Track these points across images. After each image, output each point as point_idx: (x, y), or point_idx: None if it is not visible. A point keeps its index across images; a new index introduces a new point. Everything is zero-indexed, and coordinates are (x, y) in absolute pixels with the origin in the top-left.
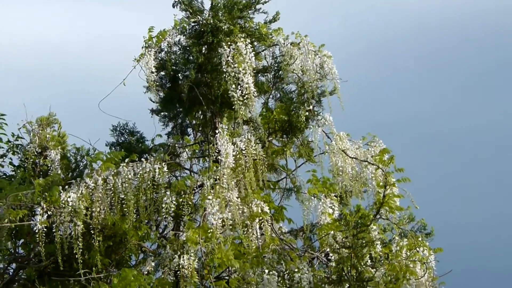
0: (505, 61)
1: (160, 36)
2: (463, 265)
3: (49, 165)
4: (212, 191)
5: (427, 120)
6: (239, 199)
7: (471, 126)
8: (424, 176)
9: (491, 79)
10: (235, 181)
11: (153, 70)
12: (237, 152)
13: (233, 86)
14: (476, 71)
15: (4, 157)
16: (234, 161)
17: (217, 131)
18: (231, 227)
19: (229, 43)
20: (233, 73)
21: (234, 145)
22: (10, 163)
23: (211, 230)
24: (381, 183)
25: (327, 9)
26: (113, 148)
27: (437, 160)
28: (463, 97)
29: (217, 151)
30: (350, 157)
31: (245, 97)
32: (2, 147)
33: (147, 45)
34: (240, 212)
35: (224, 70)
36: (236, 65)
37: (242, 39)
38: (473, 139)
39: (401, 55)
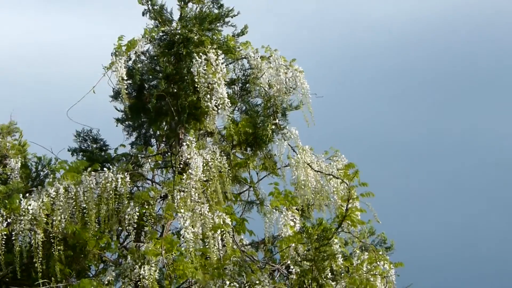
0: (467, 77)
1: (130, 45)
2: (424, 278)
3: (8, 173)
4: (181, 205)
5: (388, 132)
6: (209, 212)
7: (431, 139)
8: (384, 188)
9: (453, 94)
10: (201, 192)
11: (124, 77)
12: (204, 164)
13: (208, 96)
14: (438, 85)
15: None
16: (203, 173)
17: (184, 143)
18: (199, 240)
19: (200, 53)
20: (206, 83)
21: (201, 157)
22: None
23: (184, 243)
24: (344, 197)
25: (292, 22)
26: (75, 154)
27: (397, 173)
28: (423, 111)
29: (181, 162)
30: (315, 170)
31: (218, 107)
32: None
33: (116, 53)
34: (208, 224)
35: (196, 80)
36: (210, 75)
37: (213, 50)
38: (433, 152)
39: (365, 68)
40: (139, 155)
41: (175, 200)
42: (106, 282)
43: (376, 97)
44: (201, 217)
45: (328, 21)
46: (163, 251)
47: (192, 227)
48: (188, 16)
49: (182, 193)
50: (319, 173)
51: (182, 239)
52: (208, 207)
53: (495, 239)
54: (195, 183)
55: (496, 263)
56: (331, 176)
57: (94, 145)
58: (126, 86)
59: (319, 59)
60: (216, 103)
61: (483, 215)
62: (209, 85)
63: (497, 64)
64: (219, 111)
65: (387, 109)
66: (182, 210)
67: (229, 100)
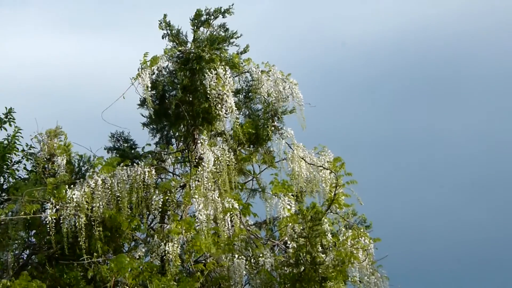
0: (429, 80)
1: (153, 61)
2: (398, 250)
3: (56, 169)
4: (196, 192)
5: (369, 130)
6: (219, 197)
7: (401, 134)
8: (364, 175)
9: (416, 97)
10: (213, 182)
11: (149, 85)
12: (215, 159)
13: (218, 105)
14: (405, 92)
15: (20, 163)
16: (213, 166)
17: (198, 142)
18: (212, 221)
19: (211, 69)
20: (216, 94)
21: (212, 153)
22: (24, 168)
23: (197, 223)
24: (332, 185)
25: (286, 39)
26: (110, 152)
27: (374, 162)
28: (395, 111)
29: (196, 157)
30: (307, 163)
31: (227, 114)
32: (18, 155)
33: (142, 67)
34: (218, 208)
35: (208, 91)
36: (220, 88)
37: (221, 67)
38: (404, 144)
39: (346, 77)
40: (162, 152)
41: (191, 188)
42: (137, 257)
43: (355, 102)
44: (212, 202)
45: (313, 39)
46: (183, 231)
47: (205, 210)
48: (200, 38)
49: (197, 182)
50: (311, 165)
51: (197, 220)
52: (218, 194)
53: (445, 217)
54: (207, 174)
55: (445, 237)
56: (321, 168)
57: (126, 144)
58: (150, 94)
59: (306, 72)
60: (225, 110)
61: (439, 198)
62: (219, 95)
63: (452, 72)
64: (228, 116)
65: (364, 111)
66: (197, 196)
67: (236, 108)
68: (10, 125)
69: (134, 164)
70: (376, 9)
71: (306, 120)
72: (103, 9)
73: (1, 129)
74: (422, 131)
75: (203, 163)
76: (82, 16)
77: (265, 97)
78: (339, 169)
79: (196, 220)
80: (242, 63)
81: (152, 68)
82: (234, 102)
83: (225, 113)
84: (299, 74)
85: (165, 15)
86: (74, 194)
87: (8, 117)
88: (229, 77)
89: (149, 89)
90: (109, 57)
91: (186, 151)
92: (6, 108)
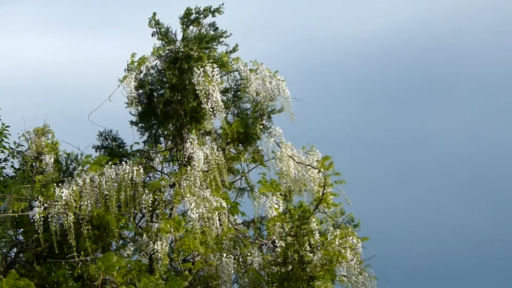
0: (423, 79)
1: (140, 61)
2: (387, 250)
3: (44, 167)
4: (187, 190)
5: (358, 128)
6: (210, 196)
7: (392, 133)
8: (355, 175)
9: (407, 97)
10: (203, 181)
11: (133, 89)
12: (204, 157)
13: (204, 100)
14: (396, 89)
15: (7, 161)
16: (204, 165)
17: (187, 141)
18: (201, 220)
19: (199, 67)
20: (203, 90)
21: (202, 152)
22: (12, 166)
23: (190, 222)
24: (321, 184)
25: (276, 39)
26: (98, 151)
27: (365, 161)
28: (386, 111)
29: (185, 156)
30: (296, 162)
31: (214, 109)
32: (4, 152)
33: (129, 68)
34: (209, 206)
35: (196, 88)
36: (206, 83)
37: (209, 65)
38: (394, 144)
39: (336, 76)
40: (150, 151)
41: (182, 187)
42: (126, 255)
43: (345, 101)
44: (204, 200)
45: (303, 37)
46: (172, 230)
47: (197, 209)
48: (189, 36)
49: (187, 181)
50: (300, 164)
51: (188, 219)
52: (210, 192)
53: (436, 217)
54: (198, 173)
55: (436, 237)
56: (310, 167)
57: (114, 143)
58: (135, 96)
59: (298, 71)
60: (211, 105)
61: (430, 198)
62: (206, 91)
63: (446, 72)
64: (215, 112)
65: (357, 110)
66: (188, 195)
67: (222, 104)
68: None
69: (122, 162)
70: (372, 8)
71: (299, 118)
72: (96, 9)
73: None
74: (415, 130)
75: (193, 162)
76: (76, 15)
77: (254, 96)
78: (328, 168)
79: (188, 219)
80: (231, 62)
81: (140, 67)
82: (223, 101)
83: (211, 107)
84: (288, 74)
85: (154, 13)
86: (62, 192)
87: None
88: (217, 74)
89: (134, 91)
90: (103, 56)
91: (175, 150)
92: None
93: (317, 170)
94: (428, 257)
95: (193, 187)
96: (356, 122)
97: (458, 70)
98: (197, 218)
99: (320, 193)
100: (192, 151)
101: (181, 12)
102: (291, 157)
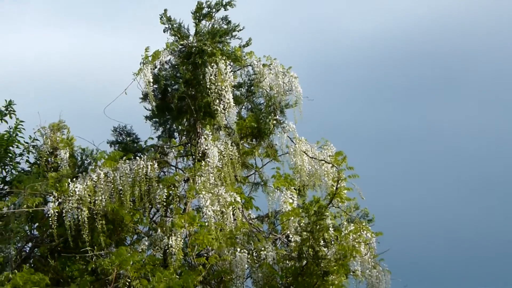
0: (421, 80)
1: (154, 55)
2: (400, 244)
3: (59, 162)
4: (202, 187)
5: (369, 124)
6: (224, 193)
7: (400, 129)
8: (367, 170)
9: (416, 91)
10: (217, 177)
11: (150, 82)
12: (219, 153)
13: (216, 100)
14: (400, 87)
15: (22, 156)
16: (218, 161)
17: (202, 136)
18: (218, 215)
19: (212, 63)
20: (216, 89)
21: (216, 148)
22: (27, 161)
23: (206, 218)
24: (334, 178)
25: (286, 34)
26: (113, 146)
27: (376, 157)
28: (394, 106)
29: (200, 152)
30: (309, 157)
31: (225, 109)
32: (20, 148)
33: (144, 61)
34: (223, 202)
35: (208, 86)
36: (219, 83)
37: (222, 61)
38: (404, 139)
39: (349, 72)
40: (164, 146)
41: (197, 183)
42: (140, 250)
43: (353, 98)
44: (218, 197)
45: (314, 33)
46: (186, 225)
47: (212, 205)
48: (202, 31)
49: (202, 177)
50: (313, 159)
51: (203, 215)
52: (224, 189)
53: (446, 212)
54: (212, 169)
55: (447, 232)
56: (323, 162)
57: (128, 138)
58: (152, 89)
59: (306, 66)
60: (223, 106)
61: (440, 193)
62: (218, 91)
63: (449, 69)
64: (226, 113)
65: (365, 106)
66: (204, 192)
67: (234, 104)
68: (10, 117)
69: (137, 157)
70: (379, 4)
71: (309, 114)
72: (106, 2)
73: (1, 122)
74: (424, 126)
75: (207, 159)
76: (85, 9)
77: (267, 90)
78: (341, 163)
79: (202, 215)
80: (244, 57)
81: (154, 62)
82: (237, 96)
83: (223, 108)
84: (300, 68)
85: (165, 10)
86: (76, 187)
87: (9, 109)
88: (230, 72)
89: (151, 84)
90: (113, 50)
91: (189, 145)
92: (6, 100)
93: (330, 165)
94: (442, 251)
95: (207, 183)
96: (363, 117)
97: (464, 65)
98: (213, 214)
99: (334, 188)
100: (206, 147)
101: (192, 7)
102: (304, 152)
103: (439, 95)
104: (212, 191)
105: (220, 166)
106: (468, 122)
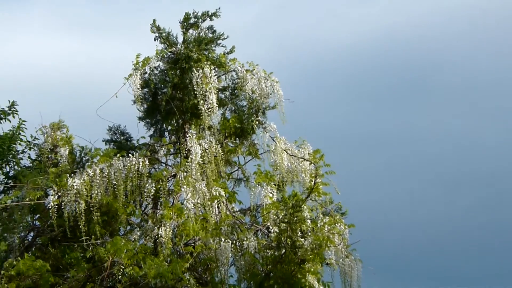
0: (405, 84)
1: (145, 61)
2: (371, 236)
3: (58, 159)
4: (185, 182)
5: (350, 126)
6: (206, 188)
7: (382, 131)
8: (347, 169)
9: (394, 97)
10: (200, 173)
11: (139, 87)
12: (203, 151)
13: (201, 101)
14: (385, 90)
15: (24, 152)
16: (201, 158)
17: (187, 135)
18: (199, 208)
19: (198, 68)
20: (201, 91)
21: (200, 146)
22: (29, 157)
23: (185, 210)
24: (313, 175)
25: (269, 42)
26: (108, 144)
27: (353, 158)
28: (373, 110)
29: (187, 150)
30: (289, 155)
31: (209, 110)
32: (21, 145)
33: (135, 67)
34: (206, 196)
35: (194, 89)
36: (203, 85)
37: (207, 66)
38: (386, 141)
39: (331, 78)
40: (155, 145)
41: (180, 179)
42: (133, 240)
43: (334, 103)
44: (200, 191)
45: (300, 41)
46: (175, 216)
47: (192, 199)
48: (189, 39)
49: (185, 173)
50: (292, 157)
51: (185, 208)
52: (205, 184)
53: (418, 207)
54: (195, 165)
55: (418, 227)
56: (302, 159)
57: (122, 137)
58: (141, 93)
59: (288, 73)
60: (207, 107)
61: (410, 191)
62: (204, 93)
63: (424, 77)
64: (209, 113)
65: (344, 109)
66: (185, 186)
67: (217, 105)
68: (13, 117)
69: (130, 155)
70: (359, 14)
71: (291, 116)
72: (104, 11)
73: (5, 121)
74: (399, 128)
75: (191, 156)
76: (88, 18)
77: (250, 94)
78: (319, 161)
79: (184, 207)
80: (228, 63)
81: (144, 68)
82: (221, 98)
83: (207, 109)
84: (282, 74)
85: (154, 20)
86: (74, 182)
87: (12, 109)
88: (214, 76)
89: (140, 89)
90: (110, 55)
91: (177, 143)
92: (9, 101)
93: (308, 162)
94: (413, 243)
95: (190, 179)
96: (345, 120)
97: (440, 73)
98: (193, 207)
99: (312, 183)
100: (190, 145)
101: (180, 17)
102: (284, 150)
103: (416, 100)
104: (193, 185)
105: (203, 163)
106: (434, 126)
